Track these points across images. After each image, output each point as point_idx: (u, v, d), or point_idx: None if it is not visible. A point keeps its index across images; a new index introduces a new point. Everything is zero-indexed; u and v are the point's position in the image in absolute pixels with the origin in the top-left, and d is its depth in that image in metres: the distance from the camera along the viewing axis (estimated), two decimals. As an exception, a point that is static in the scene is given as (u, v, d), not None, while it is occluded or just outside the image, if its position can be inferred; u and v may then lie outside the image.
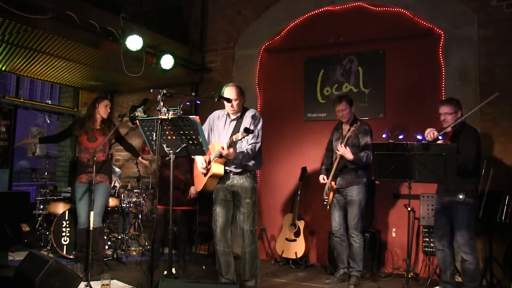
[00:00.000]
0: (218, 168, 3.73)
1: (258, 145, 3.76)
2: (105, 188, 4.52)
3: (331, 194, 4.37)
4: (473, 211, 3.73)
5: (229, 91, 3.80)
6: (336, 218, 4.42)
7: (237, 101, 3.80)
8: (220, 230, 3.86)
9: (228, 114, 3.91)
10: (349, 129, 4.26)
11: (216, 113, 4.04)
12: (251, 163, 3.81)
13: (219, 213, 3.88)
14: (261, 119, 3.86)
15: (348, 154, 4.16)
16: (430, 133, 3.58)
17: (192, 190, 4.72)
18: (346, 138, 4.16)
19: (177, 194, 4.63)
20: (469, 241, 3.65)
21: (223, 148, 3.47)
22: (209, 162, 3.77)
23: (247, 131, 3.31)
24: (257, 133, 3.77)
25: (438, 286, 3.94)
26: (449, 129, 3.66)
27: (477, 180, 3.81)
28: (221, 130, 3.90)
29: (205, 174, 3.83)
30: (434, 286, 4.10)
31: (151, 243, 4.50)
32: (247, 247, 3.81)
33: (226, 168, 3.76)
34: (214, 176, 3.75)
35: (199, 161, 3.81)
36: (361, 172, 4.32)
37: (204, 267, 4.96)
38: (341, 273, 4.41)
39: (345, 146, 4.16)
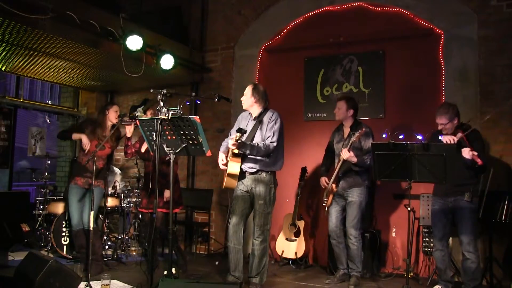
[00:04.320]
0: (232, 167, 3.83)
1: (272, 145, 3.82)
2: (100, 191, 4.55)
3: (331, 196, 4.37)
4: (476, 211, 3.83)
5: (246, 90, 4.03)
6: (333, 219, 4.40)
7: (246, 97, 3.99)
8: (232, 227, 3.95)
9: (250, 114, 4.05)
10: (349, 132, 4.30)
11: (243, 114, 4.19)
12: (266, 163, 3.86)
13: (234, 211, 3.99)
14: (278, 120, 3.91)
15: (353, 158, 4.16)
16: (450, 139, 3.57)
17: (166, 194, 4.48)
18: (350, 143, 4.14)
19: (153, 197, 4.35)
20: (473, 240, 3.74)
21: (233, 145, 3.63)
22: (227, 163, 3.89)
23: (240, 130, 3.53)
24: (272, 133, 3.86)
25: (438, 285, 3.96)
26: (460, 135, 3.65)
27: (479, 180, 3.88)
28: None
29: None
30: (434, 285, 4.10)
31: (147, 243, 4.50)
32: (256, 245, 3.92)
33: (242, 167, 3.86)
34: (230, 175, 3.86)
35: (219, 157, 3.97)
36: (363, 174, 4.31)
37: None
38: (341, 273, 4.41)
39: (349, 151, 4.15)
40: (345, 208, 4.37)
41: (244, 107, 4.05)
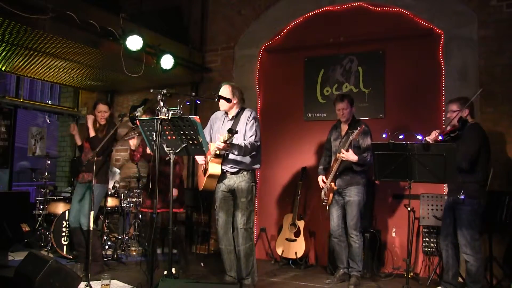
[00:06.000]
0: (214, 168, 3.82)
1: (256, 144, 3.82)
2: (96, 188, 4.48)
3: (331, 195, 4.36)
4: (475, 212, 3.67)
5: (223, 90, 3.96)
6: (335, 218, 4.41)
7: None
8: (221, 229, 3.96)
9: (226, 114, 4.02)
10: (347, 130, 4.29)
11: (216, 114, 4.16)
12: (247, 162, 3.86)
13: (219, 213, 3.98)
14: (255, 119, 3.91)
15: (353, 157, 4.12)
16: (433, 135, 3.60)
17: (175, 193, 4.49)
18: (349, 142, 4.11)
19: (160, 197, 4.33)
20: (470, 242, 3.62)
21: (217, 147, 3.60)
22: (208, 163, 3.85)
23: (231, 131, 3.44)
24: (254, 132, 3.85)
25: (440, 286, 3.94)
26: (447, 127, 3.69)
27: (477, 180, 3.70)
28: (218, 130, 3.99)
29: (204, 174, 3.88)
30: (434, 286, 4.10)
31: (147, 243, 4.51)
32: (241, 245, 3.88)
33: (223, 167, 3.86)
34: (211, 176, 3.84)
35: (199, 159, 3.94)
36: (360, 172, 4.31)
37: (202, 264, 5.04)
38: (341, 273, 4.41)
39: (347, 150, 4.13)
40: (344, 206, 4.36)
41: (222, 109, 4.01)
